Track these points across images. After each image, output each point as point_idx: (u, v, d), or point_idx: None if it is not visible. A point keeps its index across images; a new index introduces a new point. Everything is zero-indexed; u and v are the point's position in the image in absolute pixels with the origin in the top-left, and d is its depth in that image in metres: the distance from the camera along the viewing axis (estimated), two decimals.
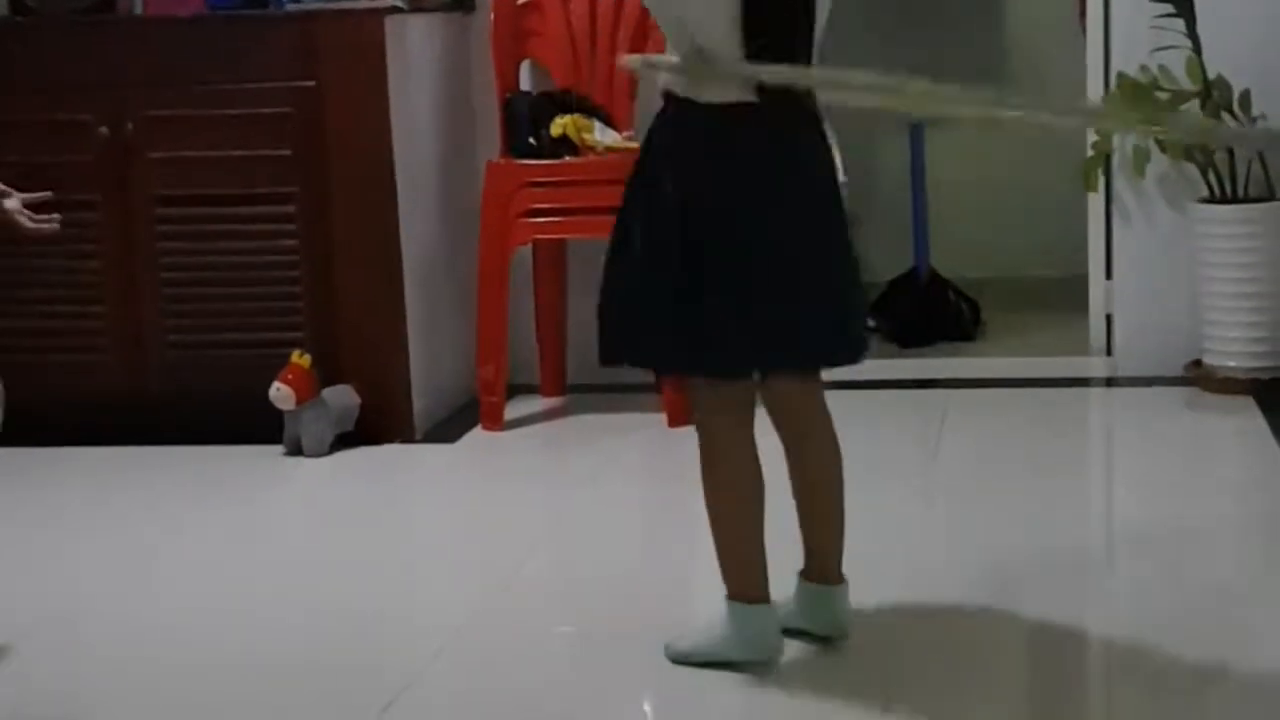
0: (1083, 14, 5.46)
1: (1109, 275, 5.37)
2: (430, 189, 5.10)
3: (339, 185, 4.80)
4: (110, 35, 4.94)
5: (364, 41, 4.73)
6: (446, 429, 5.02)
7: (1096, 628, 3.47)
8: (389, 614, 3.64)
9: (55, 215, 3.49)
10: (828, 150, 3.16)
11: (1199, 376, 5.07)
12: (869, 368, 5.02)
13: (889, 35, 6.30)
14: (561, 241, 5.26)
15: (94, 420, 4.93)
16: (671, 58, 3.09)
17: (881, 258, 5.84)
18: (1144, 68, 5.06)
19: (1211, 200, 5.02)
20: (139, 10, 4.99)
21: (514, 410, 5.12)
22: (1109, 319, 5.38)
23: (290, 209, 4.82)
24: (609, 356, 3.19)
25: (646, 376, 5.02)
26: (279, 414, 4.75)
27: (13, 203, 3.47)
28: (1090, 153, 5.21)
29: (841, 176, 3.25)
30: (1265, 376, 4.97)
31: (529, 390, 5.31)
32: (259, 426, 4.78)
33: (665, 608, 3.55)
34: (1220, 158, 4.99)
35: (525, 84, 5.18)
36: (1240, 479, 4.44)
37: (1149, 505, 4.20)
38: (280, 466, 4.76)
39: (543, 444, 4.97)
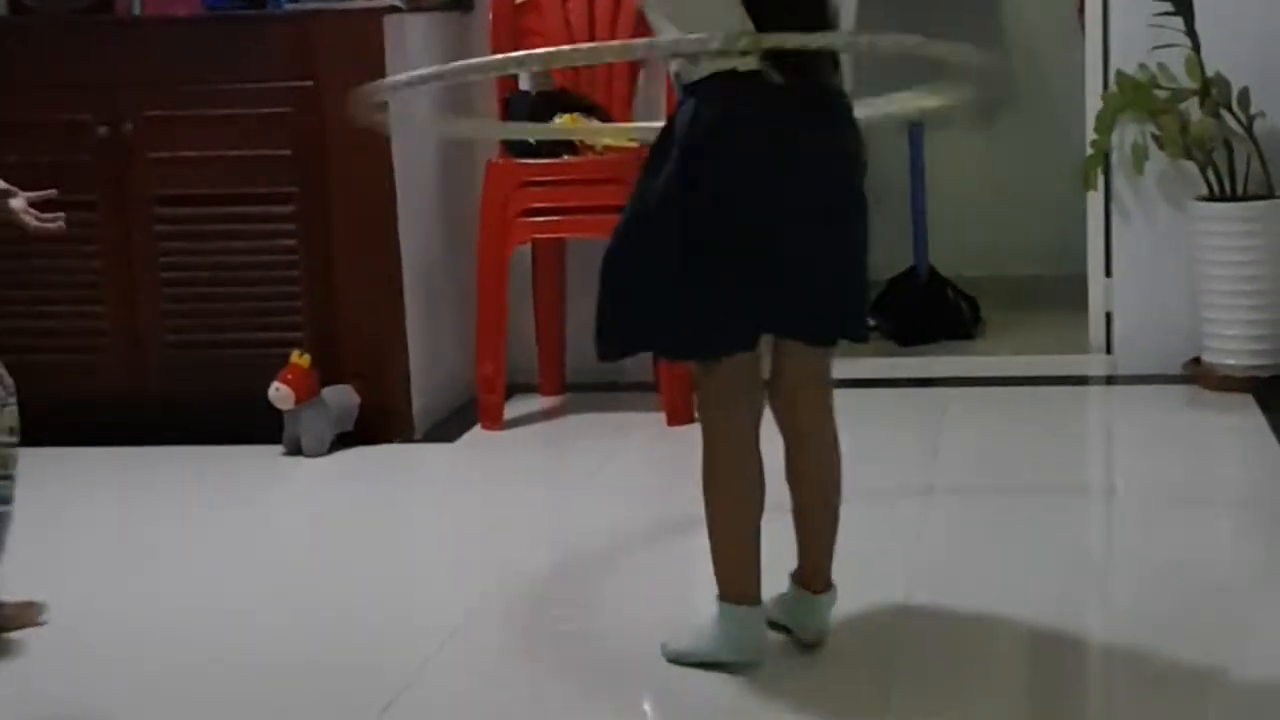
0: (1081, 12, 5.46)
1: (1108, 273, 5.38)
2: (429, 188, 5.11)
3: (338, 185, 4.80)
4: (109, 35, 4.94)
5: (362, 41, 4.73)
6: (446, 428, 5.03)
7: (1096, 627, 3.47)
8: (389, 614, 3.64)
9: (60, 214, 3.49)
10: (842, 129, 3.10)
11: (1198, 374, 5.07)
12: (869, 366, 5.03)
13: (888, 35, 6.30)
14: (561, 241, 5.27)
15: (94, 420, 4.93)
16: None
17: (881, 256, 5.81)
18: (1143, 66, 5.06)
19: (1211, 198, 5.02)
20: (137, 10, 4.99)
21: (513, 409, 5.12)
22: (1108, 317, 5.38)
23: (289, 209, 4.82)
24: (606, 348, 3.16)
25: (646, 375, 5.05)
26: (278, 414, 4.75)
27: (18, 201, 3.47)
28: (1090, 151, 5.21)
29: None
30: (1264, 374, 4.97)
31: (528, 389, 5.31)
32: (258, 426, 4.78)
33: (664, 607, 3.55)
34: (1219, 156, 4.99)
35: (524, 83, 5.18)
36: (1240, 476, 4.44)
37: (1148, 503, 4.21)
38: (280, 466, 4.76)
39: (542, 443, 4.98)
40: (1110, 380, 5.30)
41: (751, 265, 3.01)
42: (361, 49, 4.72)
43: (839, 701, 3.10)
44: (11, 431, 3.43)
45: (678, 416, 4.84)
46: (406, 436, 4.92)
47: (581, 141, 4.94)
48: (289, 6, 4.88)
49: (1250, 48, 5.05)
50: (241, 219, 4.84)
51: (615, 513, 4.27)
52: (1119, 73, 5.11)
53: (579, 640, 3.46)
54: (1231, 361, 5.00)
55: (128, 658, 3.45)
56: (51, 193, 3.52)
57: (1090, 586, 3.67)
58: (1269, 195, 5.00)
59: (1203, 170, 5.01)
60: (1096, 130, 5.18)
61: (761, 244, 3.00)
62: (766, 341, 3.16)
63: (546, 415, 5.18)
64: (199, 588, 3.84)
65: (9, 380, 3.45)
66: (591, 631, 3.48)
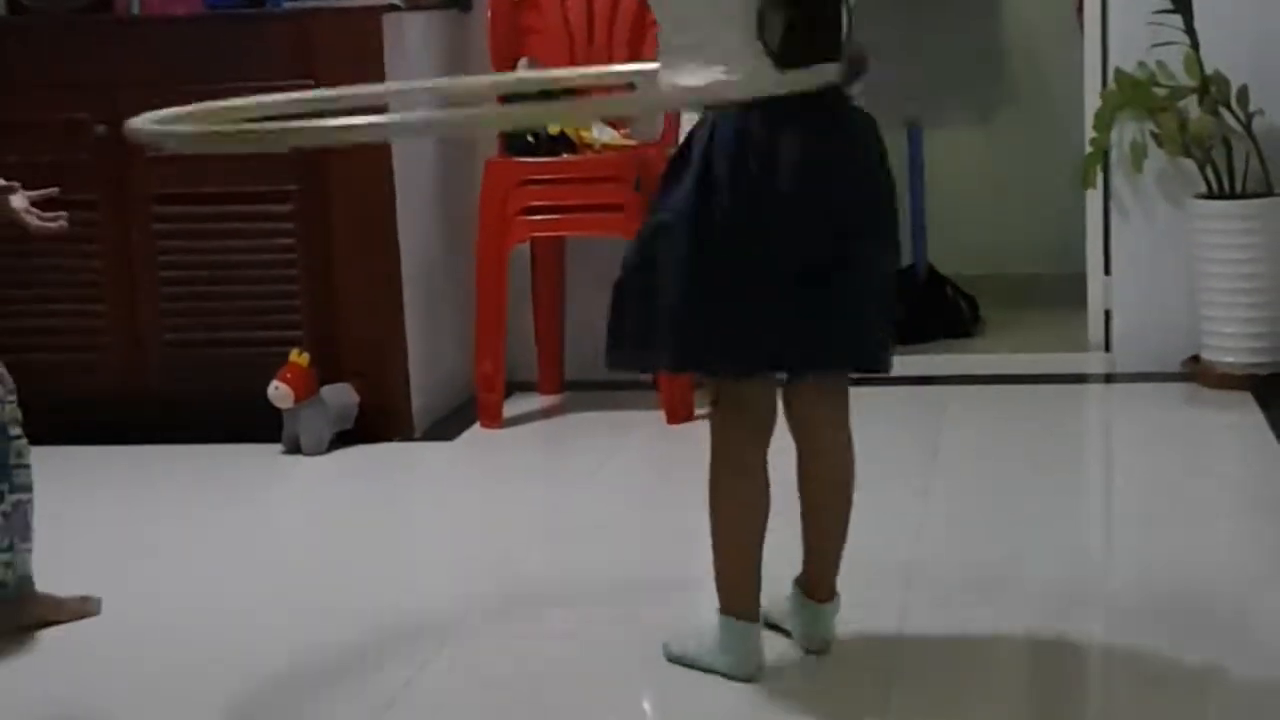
0: (1080, 10, 5.46)
1: (1107, 271, 5.38)
2: (428, 187, 5.11)
3: (337, 184, 4.80)
4: (108, 34, 4.94)
5: (361, 40, 4.73)
6: (445, 427, 5.03)
7: (1095, 624, 3.47)
8: (388, 612, 3.64)
9: (62, 214, 3.49)
10: (865, 143, 3.06)
11: (1197, 372, 5.07)
12: None
13: (888, 34, 6.31)
14: (560, 239, 5.27)
15: (93, 419, 4.93)
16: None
17: None
18: (1142, 64, 5.06)
19: (1209, 196, 5.02)
20: (136, 9, 4.99)
21: (512, 408, 5.12)
22: (1107, 315, 5.39)
23: (289, 207, 4.82)
24: (618, 361, 3.12)
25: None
26: (278, 412, 4.75)
27: (19, 200, 3.46)
28: (1089, 149, 5.21)
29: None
30: (1263, 372, 4.97)
31: (527, 387, 5.31)
32: (258, 425, 4.78)
33: (664, 606, 3.54)
34: (1218, 154, 4.99)
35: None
36: (1239, 474, 4.44)
37: (1148, 501, 4.21)
38: (279, 465, 4.76)
39: (541, 441, 4.98)
40: (1109, 378, 5.30)
41: (769, 284, 2.97)
42: (360, 48, 4.72)
43: (839, 702, 3.10)
44: (17, 423, 3.45)
45: (677, 415, 4.84)
46: (406, 435, 4.92)
47: (580, 140, 4.94)
48: (288, 5, 4.88)
49: (1249, 46, 5.05)
50: (241, 218, 4.84)
51: (615, 511, 4.27)
52: (1118, 71, 5.11)
53: (578, 640, 3.46)
54: (1230, 359, 5.00)
55: (128, 658, 3.45)
56: (53, 191, 3.52)
57: (1090, 585, 3.67)
58: (1268, 193, 5.00)
59: (1201, 168, 5.01)
60: (1095, 128, 5.18)
61: (779, 262, 2.97)
62: None
63: (546, 414, 5.18)
64: (199, 587, 3.84)
65: (9, 379, 3.45)
66: (591, 631, 3.48)
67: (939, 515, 4.08)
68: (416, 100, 4.41)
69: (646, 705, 3.19)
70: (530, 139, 4.94)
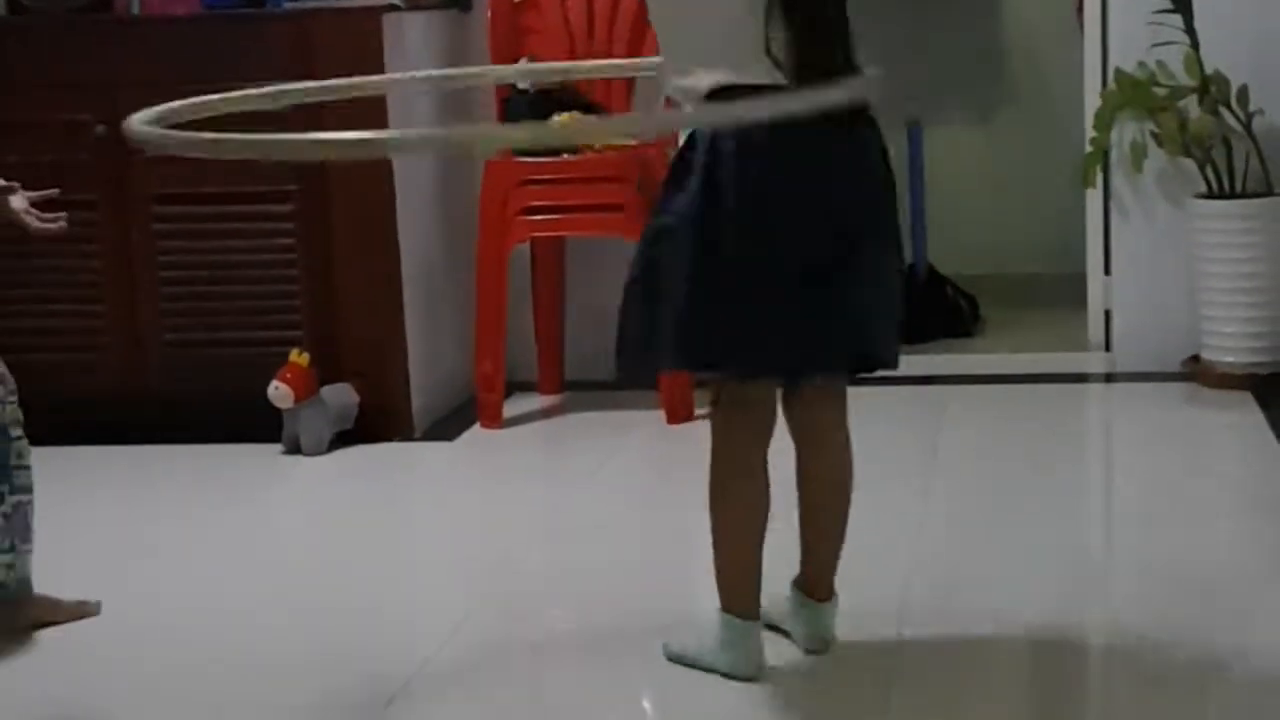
0: (1080, 10, 5.46)
1: (1107, 271, 5.38)
2: (428, 187, 5.10)
3: (337, 184, 4.80)
4: (108, 35, 4.94)
5: (361, 40, 4.73)
6: (445, 427, 5.03)
7: (1095, 624, 3.47)
8: (389, 612, 3.64)
9: (62, 214, 3.49)
10: (869, 145, 3.06)
11: (1197, 372, 5.07)
12: None
13: (888, 34, 6.30)
14: (560, 239, 5.27)
15: (93, 419, 4.93)
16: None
17: None
18: (1142, 64, 5.06)
19: (1209, 196, 5.02)
20: (136, 9, 4.99)
21: (512, 408, 5.12)
22: (1108, 315, 5.39)
23: (289, 207, 4.82)
24: (626, 367, 3.13)
25: None
26: (278, 412, 4.75)
27: (18, 200, 3.46)
28: (1089, 149, 5.21)
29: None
30: (1263, 371, 4.97)
31: (527, 387, 5.31)
32: (258, 425, 4.78)
33: (664, 606, 3.54)
34: (1218, 153, 4.99)
35: (523, 82, 5.17)
36: (1239, 474, 4.44)
37: (1148, 500, 4.21)
38: (279, 465, 4.76)
39: (541, 441, 4.98)
40: (1109, 378, 5.30)
41: (773, 286, 2.97)
42: (360, 48, 4.71)
43: (839, 702, 3.11)
44: (18, 424, 3.45)
45: (677, 415, 4.84)
46: (406, 435, 4.92)
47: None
48: (288, 5, 4.88)
49: (1249, 45, 5.05)
50: (241, 218, 4.83)
51: (615, 511, 4.27)
52: (1118, 70, 5.11)
53: (579, 640, 3.46)
54: (1230, 359, 5.00)
55: (128, 658, 3.45)
56: (54, 192, 3.52)
57: (1090, 584, 3.67)
58: (1268, 193, 5.00)
59: (1201, 168, 5.01)
60: (1095, 128, 5.18)
61: (784, 263, 2.97)
62: None
63: (546, 414, 5.18)
64: (199, 587, 3.84)
65: (10, 380, 3.45)
66: (591, 631, 3.48)
67: (939, 515, 4.08)
68: (413, 96, 4.41)
69: (646, 705, 3.19)
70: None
